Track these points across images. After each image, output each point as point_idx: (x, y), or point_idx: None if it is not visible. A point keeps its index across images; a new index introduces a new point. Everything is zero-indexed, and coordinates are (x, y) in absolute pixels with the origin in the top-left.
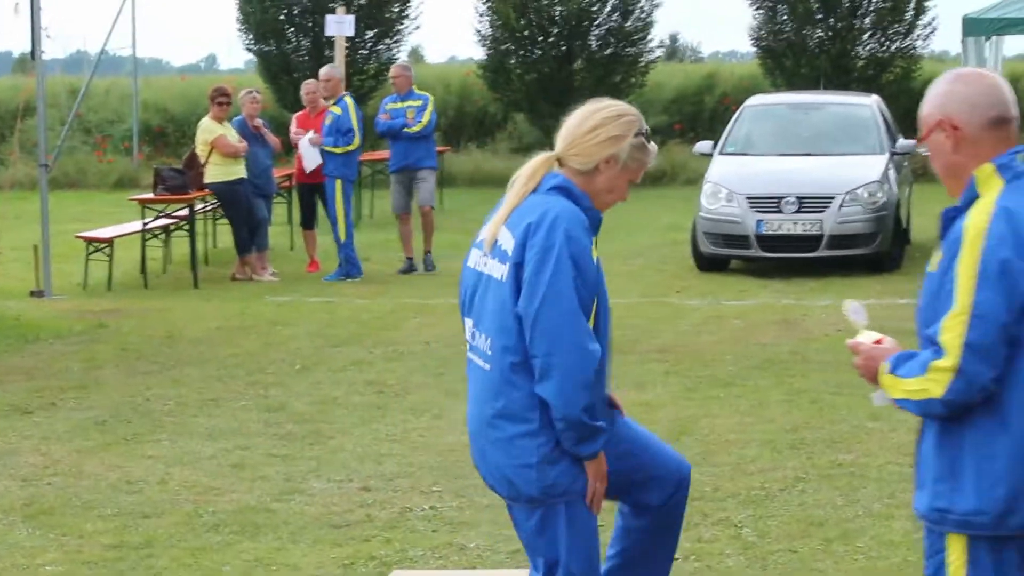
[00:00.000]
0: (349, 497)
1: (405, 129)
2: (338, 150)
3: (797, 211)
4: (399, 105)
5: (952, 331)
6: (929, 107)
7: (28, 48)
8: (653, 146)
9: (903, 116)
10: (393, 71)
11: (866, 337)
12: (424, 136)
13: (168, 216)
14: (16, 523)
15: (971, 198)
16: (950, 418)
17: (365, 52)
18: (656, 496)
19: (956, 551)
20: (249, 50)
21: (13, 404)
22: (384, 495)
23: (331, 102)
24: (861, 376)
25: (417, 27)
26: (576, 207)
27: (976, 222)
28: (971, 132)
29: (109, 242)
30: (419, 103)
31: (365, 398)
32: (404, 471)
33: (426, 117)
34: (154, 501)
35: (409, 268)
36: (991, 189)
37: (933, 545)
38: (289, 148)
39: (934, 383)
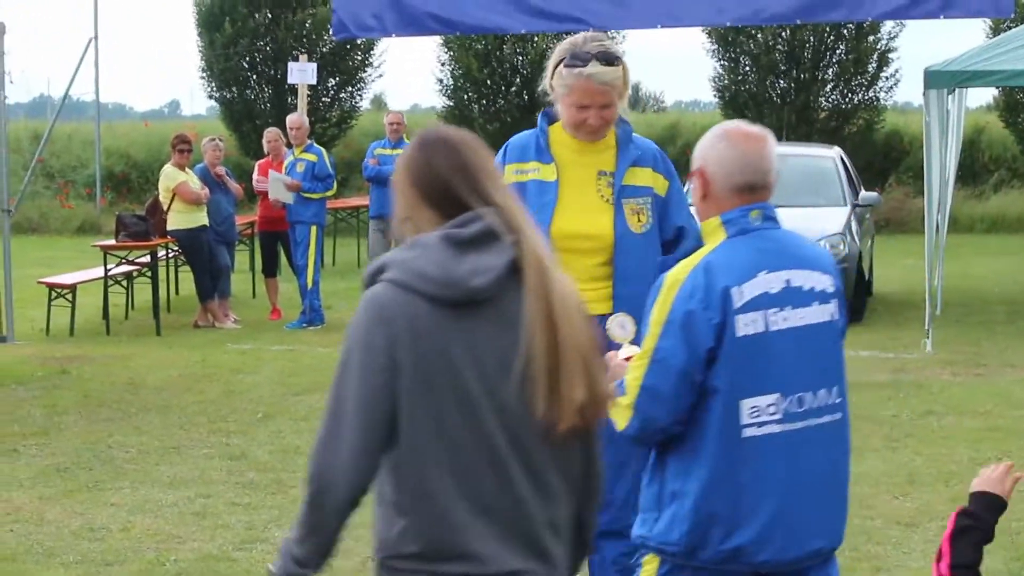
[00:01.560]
0: None
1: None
2: (316, 196)
3: None
4: (389, 152)
5: (633, 372)
6: (696, 152)
7: None
8: (580, 69)
9: (865, 168)
10: (394, 117)
11: (627, 351)
12: None
13: (130, 263)
14: None
15: (694, 248)
16: (660, 451)
17: (328, 100)
18: None
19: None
20: (212, 97)
21: None
22: (346, 544)
23: (299, 150)
24: None
25: (380, 75)
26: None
27: (675, 272)
28: (718, 190)
29: (72, 288)
30: None
31: None
32: (365, 520)
33: None
34: (116, 549)
35: None
36: (713, 242)
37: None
38: (252, 196)
39: (618, 417)
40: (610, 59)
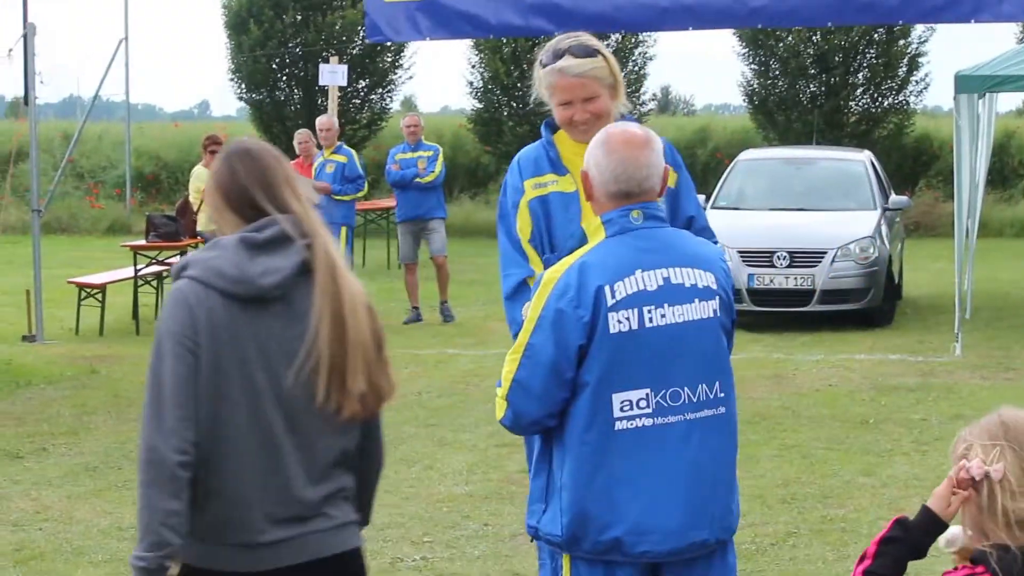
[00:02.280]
0: None
1: (417, 179)
2: (347, 197)
3: (789, 265)
4: (409, 155)
5: (508, 366)
6: (585, 154)
7: (20, 92)
8: (552, 66)
9: (895, 172)
10: (411, 120)
11: None
12: (434, 187)
13: (160, 263)
14: (7, 568)
15: (576, 247)
16: (544, 442)
17: (358, 102)
18: None
19: (565, 565)
20: (241, 99)
21: (4, 449)
22: (375, 545)
23: (329, 151)
24: None
25: (410, 77)
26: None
27: (552, 270)
28: (598, 194)
29: (101, 288)
30: (430, 153)
31: None
32: (395, 521)
33: (438, 168)
34: None
35: (416, 318)
36: (593, 241)
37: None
38: None
39: (497, 407)
40: (585, 51)
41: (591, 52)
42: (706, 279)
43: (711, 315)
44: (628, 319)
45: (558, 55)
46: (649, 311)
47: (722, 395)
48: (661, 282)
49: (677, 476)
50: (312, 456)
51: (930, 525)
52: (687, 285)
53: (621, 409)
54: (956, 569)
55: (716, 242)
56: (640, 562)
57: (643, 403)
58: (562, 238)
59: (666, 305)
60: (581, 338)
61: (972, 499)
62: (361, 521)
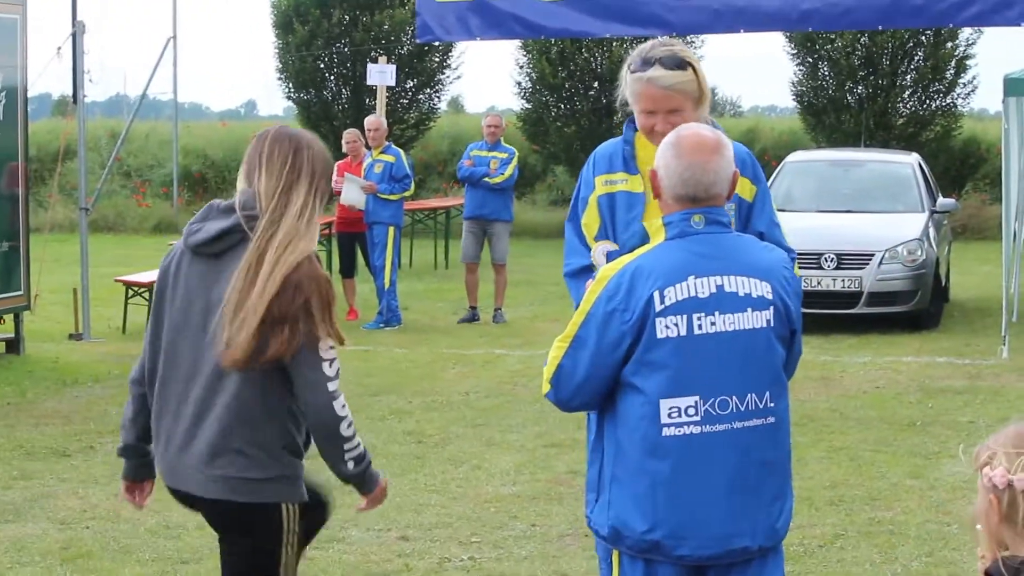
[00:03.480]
0: (387, 546)
1: (486, 179)
2: (394, 197)
3: (836, 267)
4: (484, 153)
5: (555, 351)
6: (656, 153)
7: (67, 90)
8: (641, 74)
9: (943, 174)
10: (492, 120)
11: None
12: (502, 189)
13: None
14: (54, 567)
15: (637, 245)
16: (597, 432)
17: (406, 102)
18: None
19: (614, 557)
20: (289, 98)
21: (51, 447)
22: (422, 545)
23: (377, 151)
24: None
25: (458, 77)
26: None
27: (607, 268)
28: (665, 195)
29: (149, 286)
30: (505, 155)
31: (404, 447)
32: (443, 521)
33: (509, 170)
34: (192, 547)
35: (472, 317)
36: (653, 243)
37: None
38: (331, 196)
39: (543, 384)
40: (676, 63)
41: (681, 64)
42: (761, 288)
43: (763, 325)
44: (676, 325)
45: (648, 63)
46: (699, 318)
47: (771, 405)
48: (714, 289)
49: (721, 484)
50: (205, 404)
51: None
52: (740, 294)
53: (669, 415)
54: None
55: (793, 256)
56: (681, 564)
57: (691, 411)
58: (623, 236)
59: (717, 313)
60: (626, 340)
61: (994, 508)
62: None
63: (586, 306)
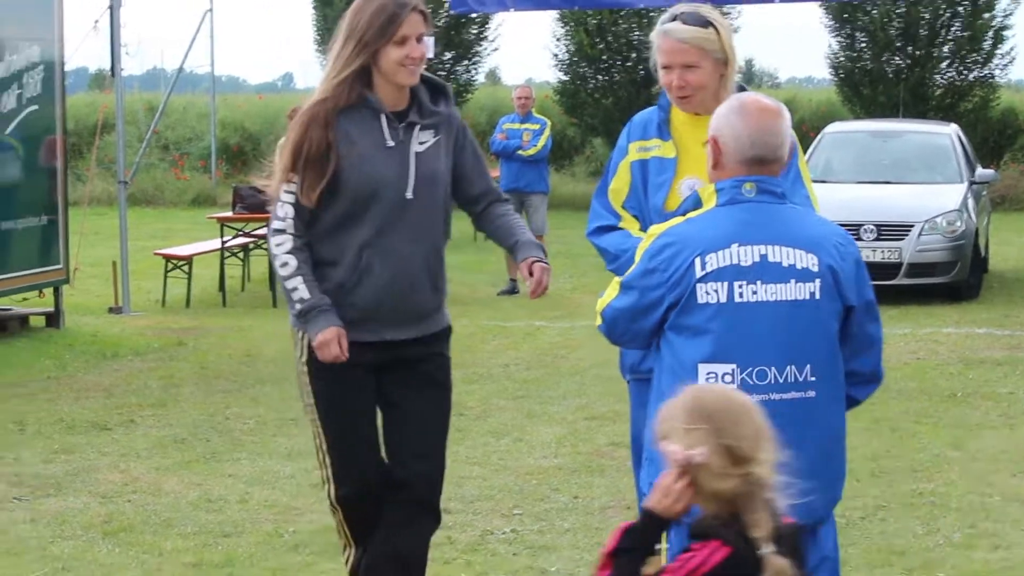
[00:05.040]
0: None
1: (519, 151)
2: None
3: (876, 239)
4: (517, 126)
5: (611, 290)
6: (712, 121)
7: (104, 64)
8: (663, 27)
9: (981, 145)
10: (522, 92)
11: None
12: (536, 160)
13: (247, 235)
14: (96, 540)
15: (690, 208)
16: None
17: (443, 74)
18: None
19: None
20: None
21: (92, 421)
22: (464, 518)
23: None
24: None
25: (495, 49)
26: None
27: (658, 227)
28: (728, 160)
29: (188, 259)
30: (537, 127)
31: None
32: (485, 494)
33: (541, 141)
34: (234, 520)
35: (511, 290)
36: (704, 208)
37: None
38: None
39: (596, 313)
40: (696, 20)
41: (703, 22)
42: (807, 260)
43: (807, 297)
44: (716, 291)
45: (670, 19)
46: (740, 286)
47: (812, 379)
48: (757, 258)
49: None
50: None
51: (655, 527)
52: (784, 264)
53: (706, 380)
54: (690, 552)
55: None
56: None
57: (728, 378)
58: (653, 199)
59: (759, 282)
60: (665, 301)
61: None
62: None
63: (636, 256)
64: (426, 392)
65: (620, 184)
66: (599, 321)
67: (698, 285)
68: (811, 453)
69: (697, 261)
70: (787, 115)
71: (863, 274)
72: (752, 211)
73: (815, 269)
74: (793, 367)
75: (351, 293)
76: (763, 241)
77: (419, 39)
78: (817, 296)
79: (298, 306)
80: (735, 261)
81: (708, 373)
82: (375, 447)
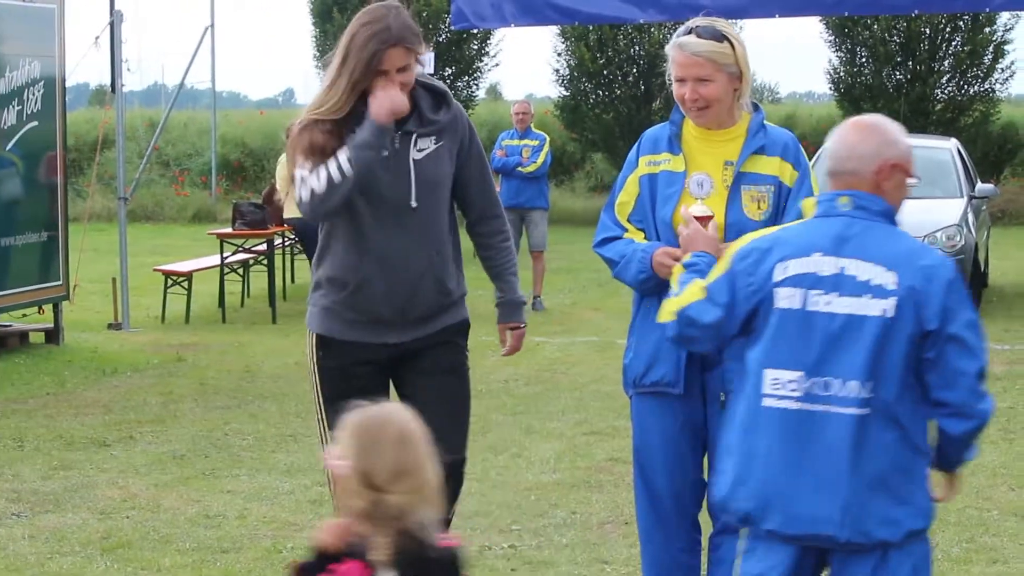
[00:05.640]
0: None
1: (519, 168)
2: None
3: None
4: (516, 142)
5: (690, 289)
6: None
7: (105, 80)
8: (677, 40)
9: (981, 159)
10: (520, 107)
11: (697, 209)
12: (536, 176)
13: (247, 251)
14: (95, 556)
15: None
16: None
17: None
18: None
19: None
20: None
21: (91, 437)
22: (462, 533)
23: None
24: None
25: (496, 64)
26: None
27: (753, 233)
28: (828, 175)
29: (188, 276)
30: (536, 142)
31: None
32: (483, 509)
33: (541, 158)
34: (233, 536)
35: None
36: (805, 218)
37: None
38: None
39: (664, 311)
40: (711, 34)
41: (717, 36)
42: (886, 277)
43: (879, 314)
44: (791, 298)
45: (686, 32)
46: (815, 295)
47: (871, 396)
48: (836, 270)
49: (810, 463)
50: None
51: (320, 560)
52: (860, 279)
53: (772, 386)
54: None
55: None
56: (779, 540)
57: (793, 385)
58: (661, 211)
59: (835, 294)
60: (747, 304)
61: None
62: None
63: (724, 259)
64: (437, 379)
65: (627, 197)
66: (667, 318)
67: (775, 290)
68: (872, 473)
69: (778, 267)
70: (880, 134)
71: (954, 302)
72: (842, 224)
73: (892, 287)
74: (855, 382)
75: (353, 301)
76: (845, 254)
77: (403, 70)
78: (890, 315)
79: (348, 153)
80: (814, 270)
81: (773, 379)
82: None
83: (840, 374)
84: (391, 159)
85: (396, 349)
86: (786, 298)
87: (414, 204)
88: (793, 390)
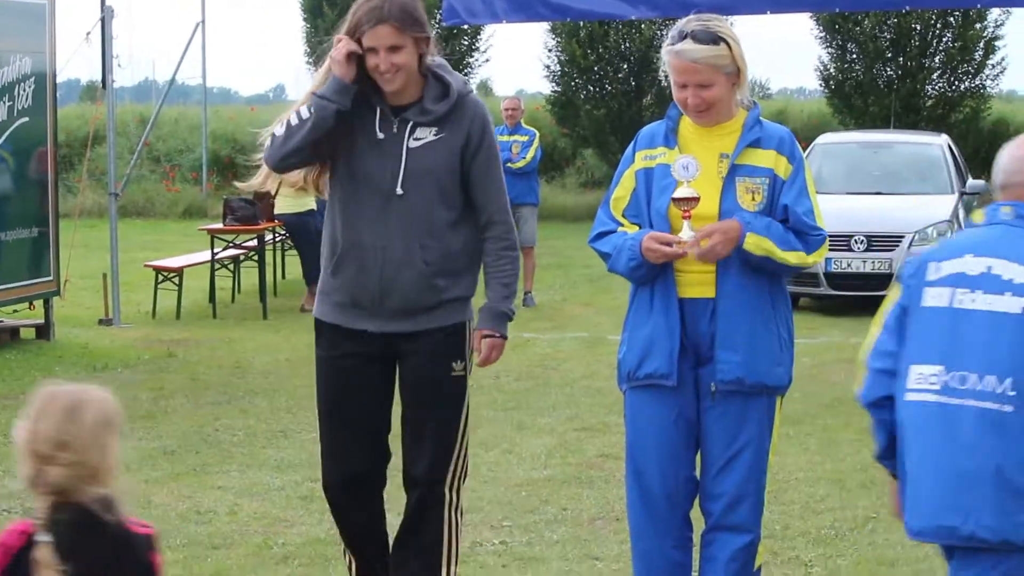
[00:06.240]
0: None
1: (508, 164)
2: None
3: (866, 249)
4: (506, 138)
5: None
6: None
7: (95, 76)
8: (672, 47)
9: (972, 155)
10: (510, 103)
11: (681, 191)
12: (526, 172)
13: (238, 247)
14: None
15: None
16: None
17: None
18: None
19: None
20: None
21: None
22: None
23: None
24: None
25: (487, 60)
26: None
27: (926, 247)
28: (996, 181)
29: (178, 271)
30: (525, 138)
31: None
32: (474, 505)
33: (530, 153)
34: (224, 532)
35: None
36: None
37: None
38: None
39: (861, 366)
40: (709, 38)
41: (714, 39)
42: None
43: (1018, 311)
44: (940, 296)
45: (681, 36)
46: (962, 293)
47: (1012, 394)
48: (983, 269)
49: (944, 458)
50: None
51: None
52: (1004, 277)
53: (916, 380)
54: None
55: (819, 234)
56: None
57: (933, 379)
58: (656, 203)
59: (980, 292)
60: (907, 301)
61: None
62: None
63: (892, 293)
64: (419, 384)
65: (622, 192)
66: (863, 360)
67: (926, 288)
68: (1004, 466)
69: (932, 266)
70: None
71: None
72: (1001, 231)
73: None
74: (993, 377)
75: (332, 281)
76: (994, 255)
77: (391, 50)
78: None
79: (307, 105)
80: (963, 270)
81: (918, 374)
82: (364, 438)
83: (977, 368)
84: (385, 143)
85: (379, 342)
86: (934, 297)
87: (400, 191)
88: (932, 384)
